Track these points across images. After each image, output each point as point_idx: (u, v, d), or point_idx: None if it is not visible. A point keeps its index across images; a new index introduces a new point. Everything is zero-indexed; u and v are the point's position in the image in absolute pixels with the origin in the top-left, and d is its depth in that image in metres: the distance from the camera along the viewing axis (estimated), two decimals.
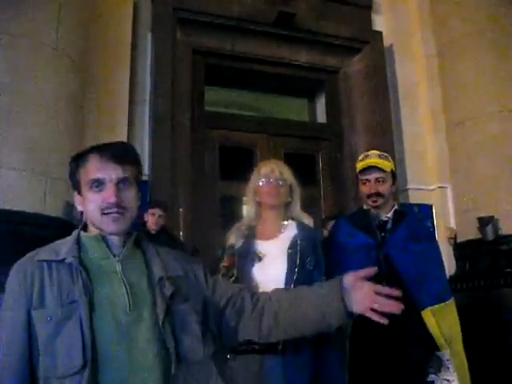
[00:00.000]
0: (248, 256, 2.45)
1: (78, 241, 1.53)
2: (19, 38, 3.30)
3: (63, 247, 1.49)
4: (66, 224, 3.35)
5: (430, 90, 5.30)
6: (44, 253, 1.49)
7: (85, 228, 1.58)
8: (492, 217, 4.34)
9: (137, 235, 1.60)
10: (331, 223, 4.21)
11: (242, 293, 1.66)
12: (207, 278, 1.66)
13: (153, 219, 3.96)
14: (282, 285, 2.37)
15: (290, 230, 2.51)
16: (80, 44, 3.78)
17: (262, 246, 2.48)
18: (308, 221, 2.63)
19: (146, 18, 4.78)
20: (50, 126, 3.36)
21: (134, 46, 4.60)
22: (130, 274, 1.50)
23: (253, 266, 2.43)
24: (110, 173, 1.48)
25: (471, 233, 4.51)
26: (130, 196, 1.51)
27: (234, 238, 2.55)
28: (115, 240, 1.52)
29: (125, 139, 4.20)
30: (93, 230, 1.54)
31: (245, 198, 2.68)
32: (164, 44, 4.73)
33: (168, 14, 4.80)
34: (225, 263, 2.53)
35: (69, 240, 1.53)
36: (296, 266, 2.38)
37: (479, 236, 4.42)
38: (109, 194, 1.46)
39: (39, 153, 3.26)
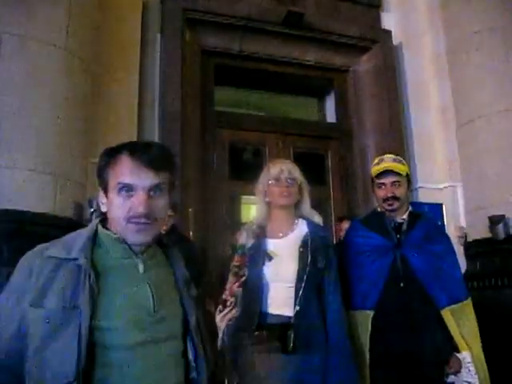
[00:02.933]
0: (259, 255, 2.45)
1: (95, 237, 1.41)
2: (29, 39, 3.31)
3: (77, 243, 1.37)
4: (76, 224, 3.36)
5: (440, 89, 5.27)
6: (55, 248, 1.37)
7: (102, 222, 1.45)
8: (503, 215, 4.31)
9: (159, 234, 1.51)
10: (344, 223, 4.22)
11: None
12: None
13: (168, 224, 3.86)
14: (292, 284, 2.37)
15: (301, 229, 2.51)
16: (90, 45, 3.79)
17: (272, 245, 2.48)
18: (318, 219, 2.63)
19: (155, 18, 4.79)
20: (60, 127, 3.37)
21: (144, 47, 4.61)
22: (154, 274, 1.42)
23: (264, 265, 2.43)
24: (142, 179, 1.36)
25: (482, 232, 4.48)
26: (161, 205, 1.40)
27: (244, 238, 2.55)
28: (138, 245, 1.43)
29: (134, 139, 4.20)
30: (114, 229, 1.42)
31: (254, 198, 2.68)
32: (173, 44, 4.74)
33: (177, 15, 4.81)
34: (236, 262, 2.54)
35: (83, 234, 1.41)
36: (307, 265, 2.38)
37: (490, 235, 4.39)
38: (138, 203, 1.34)
39: (49, 153, 3.28)
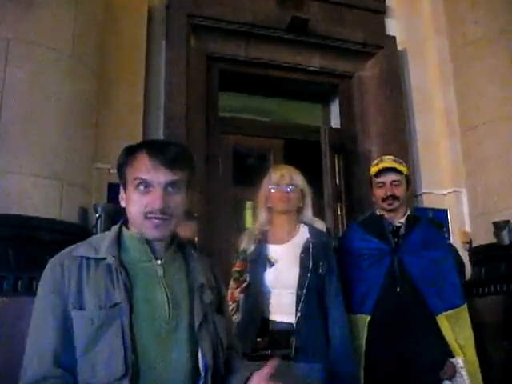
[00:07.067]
0: (260, 261, 2.45)
1: (119, 238, 1.46)
2: (35, 44, 3.33)
3: (103, 244, 1.42)
4: (82, 229, 3.38)
5: (444, 94, 5.26)
6: (82, 248, 1.42)
7: (125, 224, 1.50)
8: (508, 221, 4.29)
9: (179, 239, 1.55)
10: None
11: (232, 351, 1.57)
12: (225, 303, 1.63)
13: (193, 231, 3.46)
14: (294, 290, 2.37)
15: (302, 235, 2.51)
16: (95, 50, 3.81)
17: (274, 250, 2.48)
18: (320, 225, 2.63)
19: (161, 24, 4.81)
20: (66, 132, 3.38)
21: (149, 53, 4.62)
22: (171, 279, 1.44)
23: (265, 270, 2.43)
24: (159, 176, 1.40)
25: (487, 237, 4.46)
26: (177, 201, 1.43)
27: (246, 243, 2.56)
28: (158, 243, 1.46)
29: None
30: (134, 229, 1.47)
31: (256, 203, 2.69)
32: (178, 50, 4.74)
33: (182, 21, 4.82)
34: (237, 268, 2.55)
35: (108, 236, 1.46)
36: (308, 270, 2.38)
37: (495, 240, 4.38)
38: (155, 198, 1.39)
39: (56, 159, 3.29)
